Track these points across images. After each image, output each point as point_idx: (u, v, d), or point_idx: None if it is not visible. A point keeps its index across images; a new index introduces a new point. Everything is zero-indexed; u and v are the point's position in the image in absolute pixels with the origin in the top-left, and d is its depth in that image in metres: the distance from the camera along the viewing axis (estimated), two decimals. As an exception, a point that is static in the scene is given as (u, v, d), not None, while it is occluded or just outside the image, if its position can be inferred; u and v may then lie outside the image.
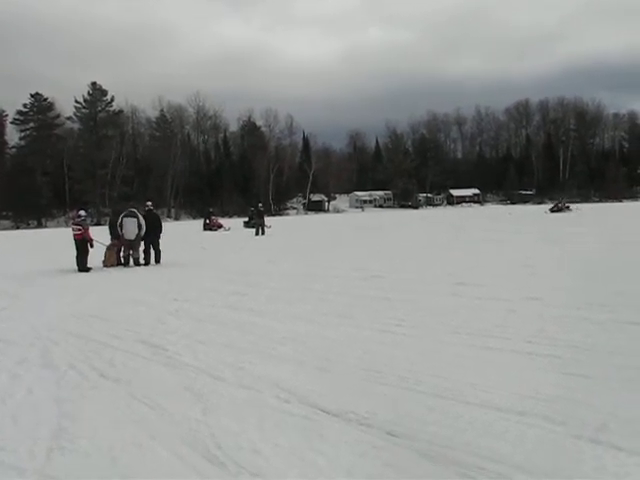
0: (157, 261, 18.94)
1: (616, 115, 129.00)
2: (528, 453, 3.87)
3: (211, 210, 51.37)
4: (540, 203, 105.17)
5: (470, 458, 3.83)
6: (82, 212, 18.72)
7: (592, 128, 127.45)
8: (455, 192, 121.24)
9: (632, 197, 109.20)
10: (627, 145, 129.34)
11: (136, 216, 18.67)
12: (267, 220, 40.52)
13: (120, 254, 18.76)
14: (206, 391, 5.45)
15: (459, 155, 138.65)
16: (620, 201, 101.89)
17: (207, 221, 46.69)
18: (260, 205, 41.74)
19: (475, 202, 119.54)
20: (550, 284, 11.13)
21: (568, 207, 59.67)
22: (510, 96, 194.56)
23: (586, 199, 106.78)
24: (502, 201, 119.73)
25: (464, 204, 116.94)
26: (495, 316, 8.28)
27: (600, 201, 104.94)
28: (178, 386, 5.66)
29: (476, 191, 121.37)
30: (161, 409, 5.02)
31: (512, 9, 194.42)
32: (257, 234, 35.99)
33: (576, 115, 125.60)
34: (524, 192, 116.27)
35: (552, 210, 58.40)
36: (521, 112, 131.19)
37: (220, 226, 45.85)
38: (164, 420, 4.78)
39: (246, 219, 48.83)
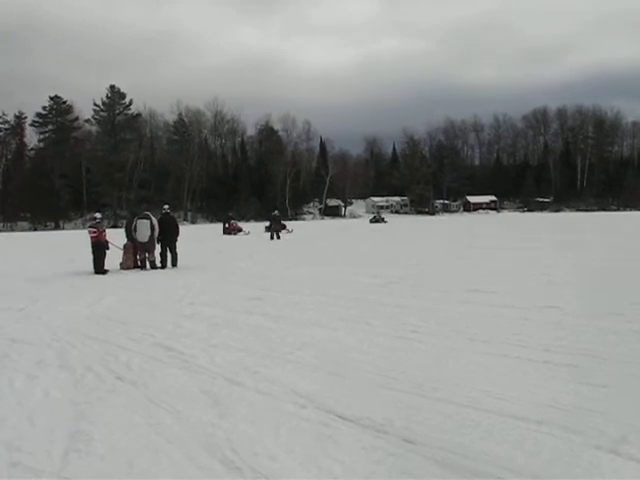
0: (174, 264, 18.99)
1: (635, 123, 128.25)
2: (545, 463, 3.85)
3: (231, 215, 51.85)
4: (557, 211, 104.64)
5: (487, 467, 3.81)
6: (97, 214, 18.82)
7: (610, 136, 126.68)
8: (472, 199, 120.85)
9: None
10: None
11: (149, 218, 18.75)
12: (288, 224, 41.42)
13: (137, 257, 18.84)
14: (222, 395, 5.45)
15: (476, 162, 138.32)
16: (639, 210, 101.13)
17: (226, 225, 46.95)
18: (276, 211, 42.26)
19: (492, 209, 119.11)
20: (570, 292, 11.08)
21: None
22: (528, 104, 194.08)
23: (603, 207, 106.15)
24: (519, 208, 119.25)
25: (480, 211, 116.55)
26: (511, 324, 8.24)
27: (618, 209, 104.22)
28: (194, 390, 5.66)
29: (493, 198, 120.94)
30: (177, 413, 5.03)
31: (528, 19, 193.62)
32: (272, 238, 36.36)
33: (594, 123, 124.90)
34: (541, 199, 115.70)
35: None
36: (539, 119, 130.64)
37: (239, 230, 46.07)
38: (180, 424, 4.78)
39: (267, 223, 47.99)
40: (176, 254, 19.17)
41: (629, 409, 4.75)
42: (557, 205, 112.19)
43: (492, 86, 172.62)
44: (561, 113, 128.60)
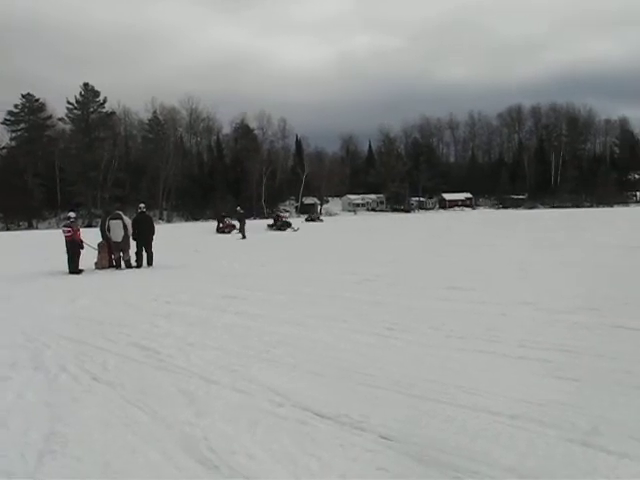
0: (149, 263, 18.89)
1: (607, 121, 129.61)
2: (520, 456, 3.90)
3: (224, 214, 50.36)
4: (532, 208, 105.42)
5: (463, 461, 3.85)
6: (71, 214, 18.67)
7: (584, 134, 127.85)
8: (447, 196, 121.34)
9: (622, 202, 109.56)
10: (618, 151, 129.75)
11: (121, 218, 18.66)
12: (294, 222, 44.30)
13: (112, 256, 18.73)
14: (199, 394, 5.45)
15: (452, 159, 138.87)
16: (611, 206, 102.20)
17: (220, 225, 46.40)
18: (239, 208, 41.73)
19: (467, 206, 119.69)
20: (542, 288, 11.19)
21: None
22: (502, 101, 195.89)
23: (577, 204, 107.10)
24: (494, 205, 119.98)
25: (456, 208, 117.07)
26: (487, 320, 8.30)
27: (591, 206, 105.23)
28: (171, 389, 5.65)
29: (468, 195, 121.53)
30: (154, 412, 5.01)
31: (502, 17, 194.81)
32: (244, 237, 35.87)
33: (568, 121, 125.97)
34: (516, 197, 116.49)
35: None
36: (514, 117, 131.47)
37: (233, 227, 44.76)
38: (157, 423, 4.77)
39: (270, 221, 48.65)
40: (152, 253, 19.06)
41: (600, 401, 4.83)
42: (532, 202, 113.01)
43: (467, 84, 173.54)
44: (535, 111, 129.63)
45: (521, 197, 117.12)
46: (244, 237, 35.83)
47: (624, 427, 4.28)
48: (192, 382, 5.84)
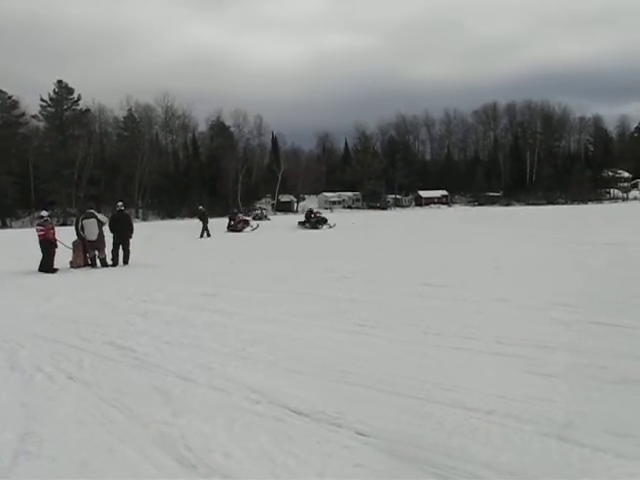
0: (125, 262, 18.76)
1: (582, 119, 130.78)
2: (496, 451, 3.92)
3: (235, 210, 46.73)
4: (507, 205, 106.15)
5: (440, 457, 3.87)
6: (44, 212, 18.52)
7: (558, 131, 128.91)
8: (423, 193, 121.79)
9: (597, 199, 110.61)
10: (592, 148, 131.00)
11: (94, 217, 18.53)
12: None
13: (87, 255, 18.59)
14: (176, 393, 5.42)
15: (427, 157, 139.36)
16: (585, 203, 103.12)
17: (231, 222, 41.51)
18: (201, 207, 40.02)
19: (443, 203, 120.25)
20: (519, 284, 11.27)
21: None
22: (478, 99, 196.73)
23: (552, 201, 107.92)
24: (470, 202, 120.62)
25: (432, 205, 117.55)
26: (464, 317, 8.34)
27: (566, 203, 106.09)
28: (147, 388, 5.62)
29: (444, 192, 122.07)
30: (130, 411, 4.98)
31: (478, 15, 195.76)
32: (202, 236, 34.70)
33: (543, 118, 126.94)
34: (492, 194, 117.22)
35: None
36: (489, 115, 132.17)
37: (246, 223, 41.85)
38: (133, 422, 4.74)
39: (302, 219, 43.80)
40: (129, 252, 18.93)
41: (575, 396, 4.88)
42: (507, 199, 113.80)
43: (442, 82, 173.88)
44: (510, 108, 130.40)
45: (496, 194, 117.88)
46: (208, 235, 34.83)
47: (599, 421, 4.32)
48: (168, 380, 5.81)
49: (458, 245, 22.27)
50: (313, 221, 41.73)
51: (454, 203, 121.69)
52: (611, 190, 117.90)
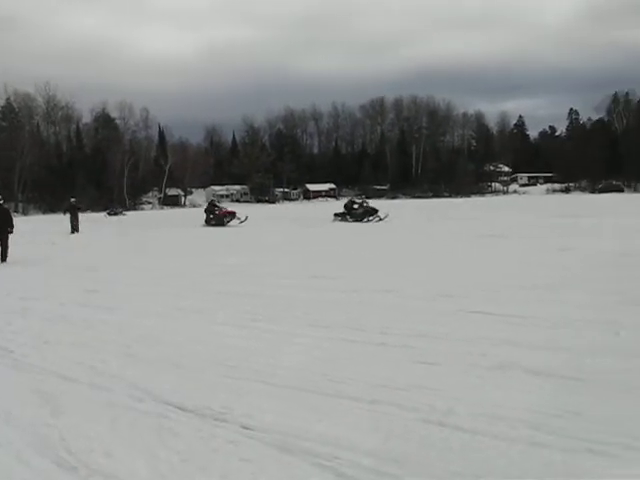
0: (3, 259, 17.96)
1: (465, 115, 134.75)
2: (380, 440, 3.98)
3: (213, 200, 41.89)
4: (394, 198, 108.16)
5: (325, 448, 3.88)
6: None
7: (443, 126, 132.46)
8: (311, 187, 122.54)
9: (479, 192, 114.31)
10: (475, 143, 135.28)
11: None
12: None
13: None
14: (56, 393, 5.21)
15: (315, 150, 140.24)
16: (469, 196, 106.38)
17: (211, 215, 36.01)
18: (73, 200, 35.94)
19: (331, 197, 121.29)
20: (406, 276, 11.51)
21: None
22: (366, 94, 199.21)
23: (437, 194, 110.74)
24: (357, 195, 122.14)
25: (320, 199, 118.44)
26: (351, 308, 8.45)
27: (450, 196, 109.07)
28: (25, 389, 5.38)
29: (332, 186, 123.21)
30: (7, 414, 4.76)
31: (366, 11, 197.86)
32: (72, 232, 32.31)
33: (428, 113, 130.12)
34: (378, 187, 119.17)
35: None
36: (376, 109, 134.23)
37: (232, 214, 35.56)
38: (10, 425, 4.53)
39: (339, 211, 35.93)
40: (7, 247, 18.16)
41: (457, 384, 5.03)
42: (393, 192, 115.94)
43: (331, 76, 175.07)
44: (397, 103, 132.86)
45: (383, 188, 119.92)
46: (77, 231, 32.37)
47: (478, 406, 4.47)
48: (48, 381, 5.59)
49: (345, 238, 22.53)
50: (359, 212, 34.47)
51: (342, 196, 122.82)
52: (492, 183, 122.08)
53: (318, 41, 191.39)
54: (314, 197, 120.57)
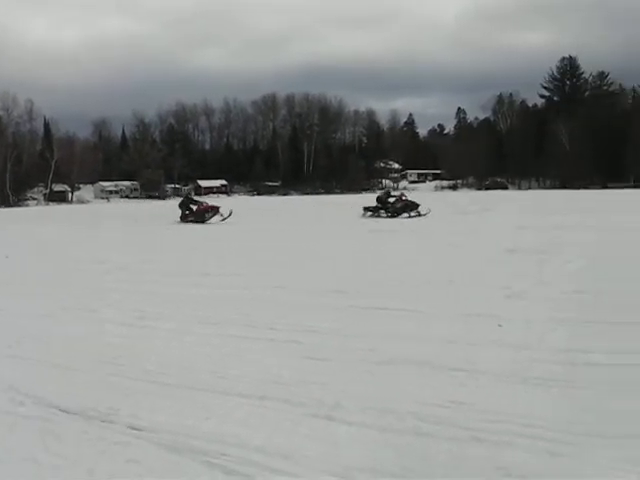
0: None
1: (356, 112, 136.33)
2: (268, 435, 4.01)
3: (189, 193, 36.46)
4: (285, 194, 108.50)
5: (213, 445, 3.88)
6: None
7: (335, 123, 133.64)
8: (203, 183, 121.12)
9: (369, 189, 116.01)
10: (366, 140, 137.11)
11: None
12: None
13: None
14: None
15: (207, 146, 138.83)
16: (359, 193, 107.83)
17: (187, 212, 31.25)
18: None
19: (223, 193, 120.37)
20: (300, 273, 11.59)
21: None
22: (258, 90, 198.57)
23: (328, 191, 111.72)
24: (249, 192, 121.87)
25: (212, 195, 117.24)
26: (240, 305, 8.45)
27: (342, 192, 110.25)
28: None
29: (224, 182, 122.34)
30: None
31: (257, 7, 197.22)
32: None
33: (320, 110, 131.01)
34: (270, 184, 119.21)
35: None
36: (268, 105, 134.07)
37: (214, 210, 30.54)
38: None
39: (369, 203, 31.48)
40: None
41: (345, 378, 5.13)
42: (285, 189, 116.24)
43: (222, 71, 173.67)
44: (289, 100, 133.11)
45: (275, 184, 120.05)
46: None
47: (365, 400, 4.57)
48: None
49: (239, 234, 22.45)
50: (398, 206, 30.21)
51: (234, 193, 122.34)
52: (383, 180, 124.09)
53: (209, 36, 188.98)
54: (206, 193, 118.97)
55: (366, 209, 30.86)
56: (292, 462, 3.63)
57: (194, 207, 31.29)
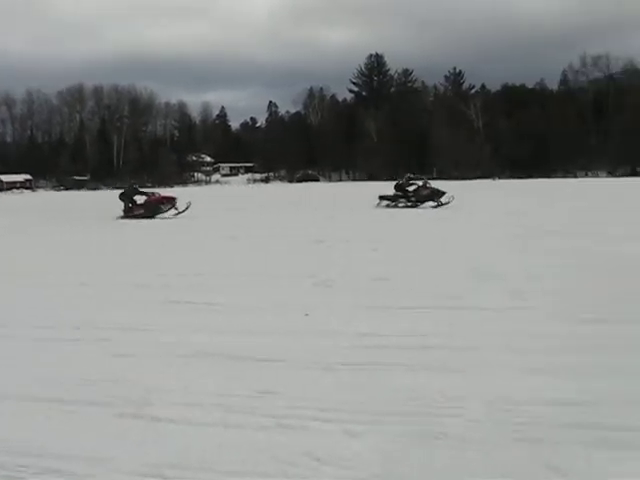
0: None
1: (167, 104, 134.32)
2: (72, 440, 3.83)
3: (134, 183, 29.55)
4: (95, 189, 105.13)
5: (7, 457, 3.61)
6: None
7: (145, 115, 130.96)
8: (5, 178, 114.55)
9: (182, 183, 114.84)
10: (177, 133, 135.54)
11: None
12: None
13: None
14: None
15: (9, 139, 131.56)
16: (172, 187, 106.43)
17: (130, 205, 26.01)
18: None
19: (27, 188, 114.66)
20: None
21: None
22: (64, 80, 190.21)
23: (141, 185, 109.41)
24: (55, 187, 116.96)
25: (15, 190, 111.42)
26: (38, 304, 8.09)
27: (154, 186, 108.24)
28: None
29: (28, 177, 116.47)
30: None
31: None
32: None
33: (130, 102, 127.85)
34: (78, 178, 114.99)
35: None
36: (75, 96, 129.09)
37: (170, 201, 26.04)
38: None
39: (386, 191, 28.75)
40: None
41: (152, 374, 5.06)
42: (94, 183, 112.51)
43: (24, 60, 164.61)
44: (98, 91, 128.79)
45: (84, 178, 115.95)
46: None
47: (173, 394, 4.54)
48: None
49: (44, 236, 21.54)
50: (424, 194, 27.90)
51: (39, 188, 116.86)
52: (195, 174, 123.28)
53: (6, 20, 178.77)
54: (8, 188, 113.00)
55: (382, 198, 28.43)
56: (98, 466, 3.48)
57: (141, 199, 26.24)
